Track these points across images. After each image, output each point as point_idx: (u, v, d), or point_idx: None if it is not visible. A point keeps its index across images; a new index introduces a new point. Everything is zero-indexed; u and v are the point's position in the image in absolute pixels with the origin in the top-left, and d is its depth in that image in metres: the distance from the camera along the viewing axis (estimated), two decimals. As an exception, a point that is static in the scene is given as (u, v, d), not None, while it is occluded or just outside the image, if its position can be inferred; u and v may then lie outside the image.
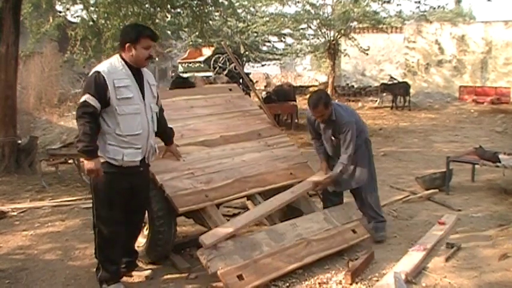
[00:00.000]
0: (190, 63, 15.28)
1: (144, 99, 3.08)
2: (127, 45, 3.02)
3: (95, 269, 3.30)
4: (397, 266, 3.41)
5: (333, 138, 4.08)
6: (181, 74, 13.14)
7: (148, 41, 3.03)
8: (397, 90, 15.30)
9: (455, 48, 18.45)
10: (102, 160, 2.98)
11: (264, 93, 13.08)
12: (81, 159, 6.83)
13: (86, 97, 2.90)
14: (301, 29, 16.64)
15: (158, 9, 9.89)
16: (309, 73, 31.22)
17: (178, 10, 10.52)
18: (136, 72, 3.07)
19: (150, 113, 3.13)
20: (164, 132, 3.47)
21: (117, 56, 3.10)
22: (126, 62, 3.03)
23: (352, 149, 3.92)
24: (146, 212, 3.47)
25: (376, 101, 16.75)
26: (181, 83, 11.03)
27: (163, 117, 3.47)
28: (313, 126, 4.20)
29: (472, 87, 17.37)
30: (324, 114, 3.90)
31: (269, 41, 18.91)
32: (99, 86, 2.90)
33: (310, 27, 16.50)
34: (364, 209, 4.15)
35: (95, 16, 10.36)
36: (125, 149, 3.00)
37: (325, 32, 16.22)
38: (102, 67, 3.00)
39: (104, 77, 2.91)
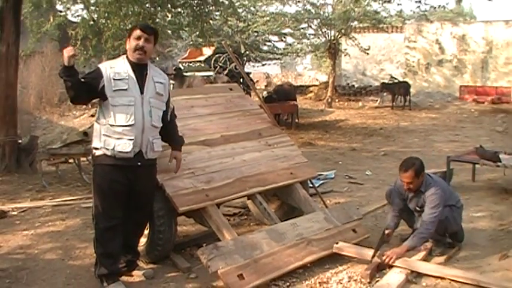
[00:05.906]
0: (190, 62, 15.27)
1: (142, 93, 3.13)
2: (126, 41, 3.26)
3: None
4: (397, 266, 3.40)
5: (417, 208, 3.83)
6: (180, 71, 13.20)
7: (137, 31, 3.16)
8: (397, 89, 15.28)
9: (455, 48, 18.41)
10: (99, 152, 3.12)
11: (264, 92, 13.08)
12: (82, 159, 6.92)
13: None
14: (302, 28, 16.59)
15: (159, 8, 9.91)
16: (309, 72, 31.24)
17: (179, 9, 10.54)
18: (137, 68, 3.16)
19: (148, 106, 3.14)
20: (169, 135, 3.42)
21: (124, 55, 3.26)
22: (128, 60, 3.19)
23: (434, 224, 3.58)
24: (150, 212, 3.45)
25: (377, 100, 16.74)
26: (181, 76, 11.72)
27: (174, 122, 3.46)
28: (401, 192, 3.90)
29: (473, 86, 17.33)
30: (413, 183, 3.69)
31: (269, 41, 18.90)
32: (93, 73, 3.16)
33: (310, 26, 16.46)
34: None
35: (96, 15, 10.38)
36: (117, 139, 3.07)
37: (325, 32, 16.19)
38: (104, 63, 3.26)
39: (100, 69, 3.13)
